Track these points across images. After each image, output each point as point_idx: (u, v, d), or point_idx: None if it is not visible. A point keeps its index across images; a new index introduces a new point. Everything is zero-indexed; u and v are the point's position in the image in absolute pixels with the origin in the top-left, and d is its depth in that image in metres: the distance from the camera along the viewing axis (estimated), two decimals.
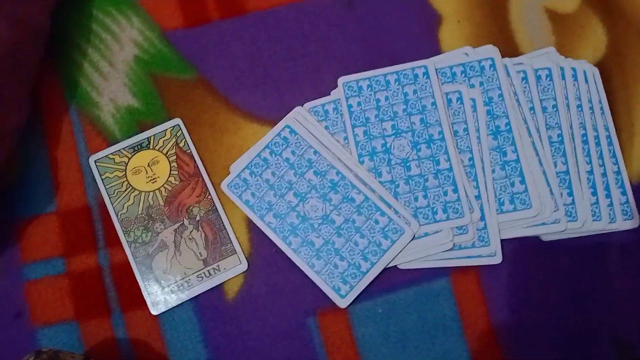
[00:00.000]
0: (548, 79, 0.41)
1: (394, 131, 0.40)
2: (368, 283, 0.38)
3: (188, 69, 0.43)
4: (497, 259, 0.39)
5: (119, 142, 0.42)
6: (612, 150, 0.40)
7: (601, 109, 0.41)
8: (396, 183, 0.40)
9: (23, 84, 0.38)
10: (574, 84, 0.41)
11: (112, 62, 0.43)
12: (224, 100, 0.43)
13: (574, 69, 0.41)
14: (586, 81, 0.41)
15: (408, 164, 0.40)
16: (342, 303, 0.38)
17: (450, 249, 0.39)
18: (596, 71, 0.41)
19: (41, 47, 0.41)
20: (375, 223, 0.39)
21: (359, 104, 0.41)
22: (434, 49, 0.43)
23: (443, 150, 0.40)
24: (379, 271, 0.38)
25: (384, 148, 0.40)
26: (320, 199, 0.39)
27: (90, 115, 0.43)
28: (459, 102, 0.40)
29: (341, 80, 0.42)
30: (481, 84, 0.41)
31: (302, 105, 0.42)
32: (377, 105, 0.41)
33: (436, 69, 0.41)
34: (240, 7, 0.44)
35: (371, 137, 0.40)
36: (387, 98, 0.41)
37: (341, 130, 0.41)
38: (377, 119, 0.41)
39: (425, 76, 0.41)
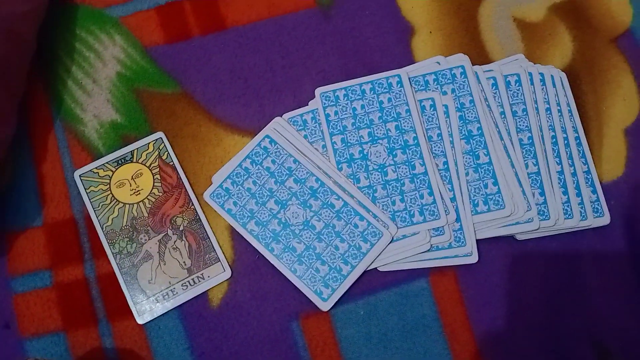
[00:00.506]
0: (517, 84, 0.42)
1: (371, 138, 0.42)
2: (349, 286, 0.39)
3: (170, 83, 0.44)
4: (474, 259, 0.40)
5: (103, 156, 0.43)
6: (581, 151, 0.42)
7: (569, 111, 0.42)
8: (374, 188, 0.41)
9: (10, 97, 0.40)
10: (543, 89, 0.42)
11: (95, 79, 0.45)
12: (206, 112, 0.44)
13: (542, 74, 0.43)
14: (554, 85, 0.42)
15: (385, 170, 0.41)
16: (324, 306, 0.39)
17: (428, 250, 0.40)
18: (563, 75, 0.43)
19: (28, 60, 0.42)
20: (355, 227, 0.40)
21: (336, 112, 0.42)
22: (408, 59, 0.45)
23: (418, 155, 0.41)
24: (360, 274, 0.39)
25: (361, 155, 0.42)
26: (300, 206, 0.41)
27: (75, 130, 0.44)
28: (432, 108, 0.42)
29: (318, 90, 0.43)
30: (453, 90, 0.42)
31: (281, 116, 0.43)
32: (354, 113, 0.42)
33: (410, 78, 0.43)
34: (220, 22, 0.46)
35: (349, 144, 0.42)
36: (363, 107, 0.42)
37: (319, 139, 0.42)
38: (354, 127, 0.42)
39: (399, 85, 0.42)
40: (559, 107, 0.42)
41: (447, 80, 0.42)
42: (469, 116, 0.42)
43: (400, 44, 0.45)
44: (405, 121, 0.42)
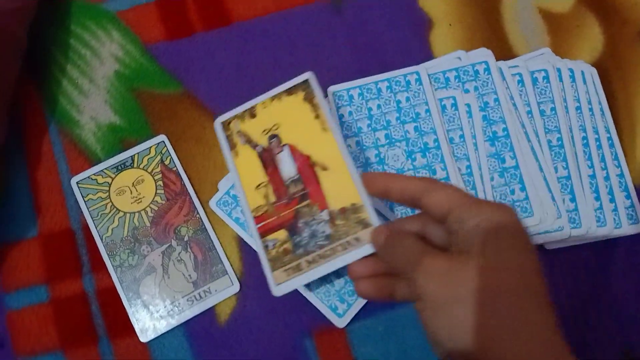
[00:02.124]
0: (545, 81, 0.39)
1: (388, 141, 0.39)
2: (366, 300, 0.37)
3: (172, 82, 0.42)
4: None
5: (101, 161, 0.40)
6: (614, 153, 0.39)
7: (601, 110, 0.39)
8: None
9: (0, 98, 0.37)
10: (572, 86, 0.39)
11: (92, 78, 0.42)
12: (211, 113, 0.41)
13: (571, 70, 0.40)
14: (584, 82, 0.40)
15: None
16: (340, 322, 0.37)
17: None
18: (594, 71, 0.40)
19: (18, 59, 0.39)
20: None
21: (350, 113, 0.40)
22: (426, 54, 0.42)
23: (439, 159, 0.38)
24: None
25: (377, 159, 0.39)
26: None
27: (71, 134, 0.41)
28: (453, 108, 0.39)
29: (331, 89, 0.40)
30: (476, 88, 0.39)
31: None
32: (369, 114, 0.39)
33: (428, 75, 0.40)
34: (224, 17, 0.43)
35: (364, 147, 0.39)
36: (379, 106, 0.39)
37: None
38: (370, 128, 0.39)
39: (417, 82, 0.39)
40: (590, 106, 0.39)
41: (470, 77, 0.39)
42: (493, 116, 0.39)
43: (418, 38, 0.42)
44: (425, 122, 0.39)
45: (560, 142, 0.38)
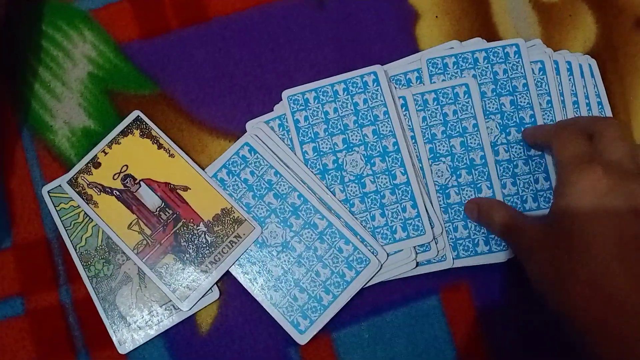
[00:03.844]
0: (541, 72, 0.38)
1: (346, 146, 0.37)
2: (330, 318, 0.35)
3: (147, 83, 0.40)
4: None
5: None
6: None
7: (599, 104, 0.37)
8: (351, 202, 0.37)
9: None
10: (570, 79, 0.37)
11: (65, 81, 0.40)
12: (188, 115, 0.40)
13: (569, 63, 0.38)
14: (582, 76, 0.38)
15: (362, 181, 0.37)
16: (301, 339, 0.35)
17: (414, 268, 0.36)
18: (593, 63, 0.38)
19: None
20: (339, 252, 0.36)
21: (306, 118, 0.38)
22: (412, 47, 0.40)
23: (399, 163, 0.37)
24: (343, 304, 0.35)
25: (335, 165, 0.37)
26: (280, 224, 0.36)
27: (45, 140, 0.39)
28: (466, 95, 0.37)
29: (285, 93, 0.38)
30: (474, 76, 0.38)
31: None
32: (326, 118, 0.38)
33: (427, 60, 0.38)
34: (201, 13, 0.41)
35: (321, 153, 0.37)
36: (335, 110, 0.38)
37: (288, 148, 0.38)
38: (327, 133, 0.38)
39: (375, 83, 0.38)
40: (587, 101, 0.37)
41: (469, 64, 0.38)
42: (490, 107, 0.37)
43: (403, 31, 0.41)
44: (384, 125, 0.37)
45: None
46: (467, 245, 0.36)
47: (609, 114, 0.38)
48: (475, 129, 0.37)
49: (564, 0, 0.41)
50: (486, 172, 0.36)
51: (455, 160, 0.37)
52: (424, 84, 0.38)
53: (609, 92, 0.39)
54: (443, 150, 0.37)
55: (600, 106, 0.38)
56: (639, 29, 0.40)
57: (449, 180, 0.37)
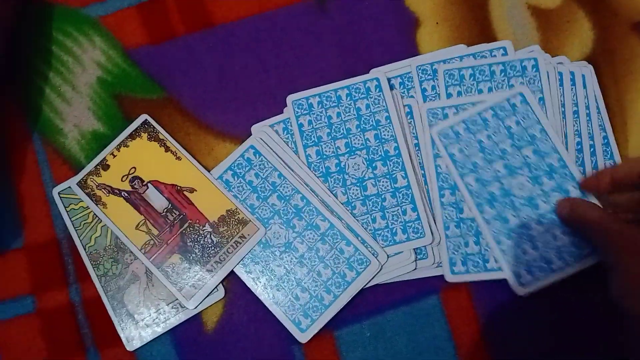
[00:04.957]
0: (535, 73, 0.38)
1: (348, 149, 0.38)
2: (331, 317, 0.36)
3: (155, 88, 0.41)
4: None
5: None
6: (609, 152, 0.38)
7: (598, 111, 0.38)
8: (352, 204, 0.38)
9: None
10: (572, 89, 0.38)
11: (74, 85, 0.41)
12: (195, 119, 0.41)
13: (572, 73, 0.38)
14: (585, 86, 0.38)
15: (364, 184, 0.38)
16: (302, 338, 0.36)
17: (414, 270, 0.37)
18: (591, 70, 0.39)
19: None
20: (340, 253, 0.37)
21: (310, 122, 0.39)
22: (412, 54, 0.41)
23: (400, 167, 0.38)
24: (343, 304, 0.36)
25: (338, 168, 0.38)
26: (283, 225, 0.37)
27: (55, 143, 0.40)
28: (523, 103, 0.38)
29: (290, 98, 0.39)
30: (490, 89, 0.38)
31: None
32: (329, 122, 0.39)
33: (444, 71, 0.39)
34: (206, 20, 0.42)
35: (324, 156, 0.38)
36: (339, 114, 0.39)
37: (292, 151, 0.39)
38: (330, 137, 0.39)
39: (377, 89, 0.39)
40: (587, 111, 0.38)
41: (485, 77, 0.39)
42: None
43: (404, 37, 0.42)
44: (385, 129, 0.38)
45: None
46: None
47: (606, 119, 0.38)
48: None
49: (561, 7, 0.41)
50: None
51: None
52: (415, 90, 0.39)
53: (605, 96, 0.39)
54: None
55: (598, 113, 0.38)
56: (635, 33, 0.41)
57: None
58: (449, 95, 0.39)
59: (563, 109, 0.38)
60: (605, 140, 0.38)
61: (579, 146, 0.38)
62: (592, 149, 0.38)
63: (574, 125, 0.38)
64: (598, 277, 0.34)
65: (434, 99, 0.39)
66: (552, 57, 0.40)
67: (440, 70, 0.39)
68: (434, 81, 0.39)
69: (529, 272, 0.35)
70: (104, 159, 0.39)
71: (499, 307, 0.37)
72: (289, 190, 0.38)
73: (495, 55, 0.39)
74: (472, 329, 0.37)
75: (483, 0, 0.42)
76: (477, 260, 0.36)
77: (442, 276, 0.37)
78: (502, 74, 0.39)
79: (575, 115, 0.38)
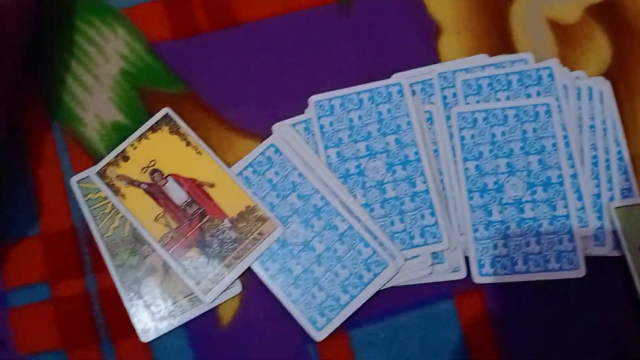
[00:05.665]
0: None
1: (368, 152, 0.39)
2: (347, 317, 0.37)
3: (177, 82, 0.41)
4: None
5: None
6: (622, 167, 0.39)
7: (614, 126, 0.39)
8: (371, 207, 0.38)
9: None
10: (591, 105, 0.39)
11: (96, 75, 0.41)
12: (216, 115, 0.41)
13: (590, 89, 0.39)
14: (602, 103, 0.39)
15: (383, 187, 0.38)
16: (318, 336, 0.37)
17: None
18: (608, 86, 0.40)
19: (19, 58, 0.38)
20: (358, 254, 0.37)
21: (331, 123, 0.39)
22: (433, 61, 0.42)
23: (419, 172, 0.38)
24: (359, 305, 0.37)
25: (357, 170, 0.39)
26: (302, 224, 0.38)
27: (75, 132, 0.40)
28: (547, 115, 0.38)
29: (312, 99, 0.40)
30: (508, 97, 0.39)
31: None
32: (350, 125, 0.39)
33: (462, 80, 0.39)
34: (231, 18, 0.42)
35: (344, 158, 0.39)
36: (360, 117, 0.39)
37: (313, 151, 0.39)
38: (350, 139, 0.39)
39: (399, 94, 0.39)
40: (604, 127, 0.39)
41: (503, 86, 0.40)
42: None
43: (426, 44, 0.42)
44: (406, 134, 0.39)
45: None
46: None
47: (620, 133, 0.39)
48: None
49: (580, 22, 0.42)
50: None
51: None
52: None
53: (620, 111, 0.40)
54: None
55: (614, 130, 0.39)
56: None
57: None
58: (467, 104, 0.40)
59: (579, 122, 0.39)
60: (620, 155, 0.39)
61: (595, 159, 0.38)
62: (607, 163, 0.38)
63: (589, 139, 0.39)
64: (619, 286, 0.35)
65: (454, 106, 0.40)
66: (570, 71, 0.41)
67: (458, 80, 0.40)
68: (454, 89, 0.40)
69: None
70: (124, 150, 0.39)
71: (513, 313, 0.38)
72: (308, 190, 0.38)
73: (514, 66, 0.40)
74: (486, 335, 0.38)
75: (504, 11, 0.43)
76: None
77: (457, 281, 0.38)
78: (519, 83, 0.40)
79: (592, 129, 0.39)
